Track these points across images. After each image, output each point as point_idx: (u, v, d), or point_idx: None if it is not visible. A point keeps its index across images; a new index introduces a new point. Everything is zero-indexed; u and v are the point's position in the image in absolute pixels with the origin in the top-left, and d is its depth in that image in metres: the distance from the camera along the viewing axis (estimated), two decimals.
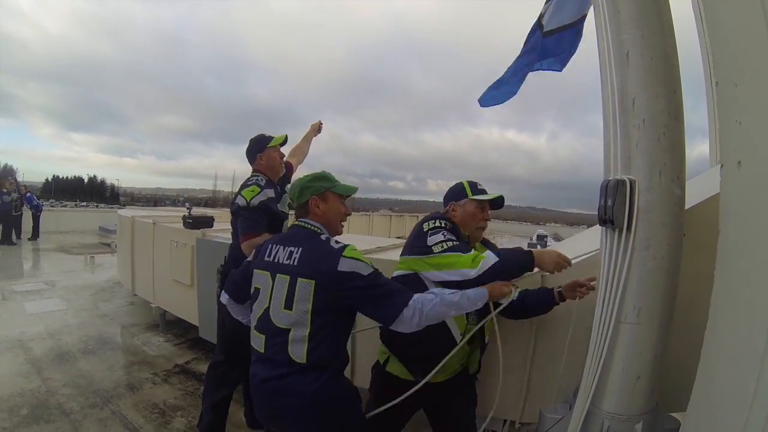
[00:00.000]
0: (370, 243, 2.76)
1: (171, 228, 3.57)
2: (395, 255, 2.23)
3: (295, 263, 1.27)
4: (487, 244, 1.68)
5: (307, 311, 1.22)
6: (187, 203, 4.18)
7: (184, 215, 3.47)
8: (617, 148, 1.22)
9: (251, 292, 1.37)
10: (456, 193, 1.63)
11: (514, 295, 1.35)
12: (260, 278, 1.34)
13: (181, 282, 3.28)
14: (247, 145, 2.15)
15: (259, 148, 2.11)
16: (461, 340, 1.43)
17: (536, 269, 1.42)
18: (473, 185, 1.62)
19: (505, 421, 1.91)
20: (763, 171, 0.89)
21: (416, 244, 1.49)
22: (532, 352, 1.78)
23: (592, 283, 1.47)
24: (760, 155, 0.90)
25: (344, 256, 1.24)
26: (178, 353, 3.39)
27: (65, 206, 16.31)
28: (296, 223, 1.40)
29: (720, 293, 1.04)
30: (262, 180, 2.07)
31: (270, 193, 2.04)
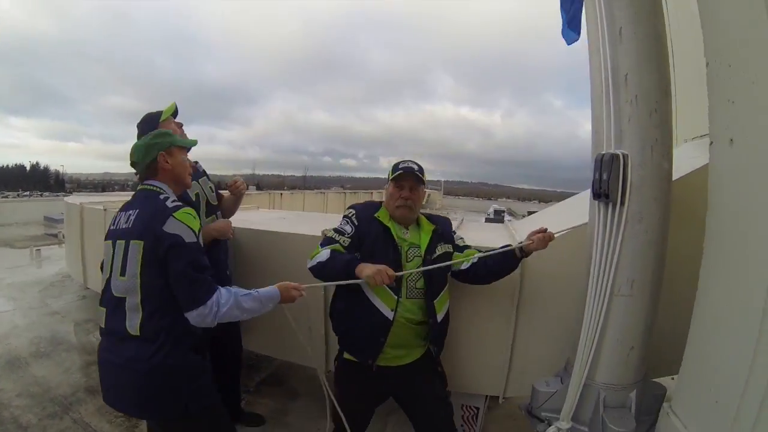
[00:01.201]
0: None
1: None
2: None
3: (130, 225, 1.22)
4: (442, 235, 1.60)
5: (136, 275, 1.16)
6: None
7: None
8: (610, 122, 1.19)
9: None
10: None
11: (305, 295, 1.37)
12: (106, 249, 1.28)
13: None
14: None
15: (146, 123, 1.84)
16: (393, 316, 1.43)
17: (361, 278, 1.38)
18: (395, 166, 1.57)
19: (486, 396, 1.90)
20: (755, 148, 0.90)
21: None
22: (514, 327, 1.75)
23: (548, 232, 1.44)
24: (753, 133, 0.90)
25: (174, 216, 1.18)
26: None
27: (6, 197, 14.68)
28: (141, 186, 1.33)
29: (710, 263, 1.05)
30: None
31: None
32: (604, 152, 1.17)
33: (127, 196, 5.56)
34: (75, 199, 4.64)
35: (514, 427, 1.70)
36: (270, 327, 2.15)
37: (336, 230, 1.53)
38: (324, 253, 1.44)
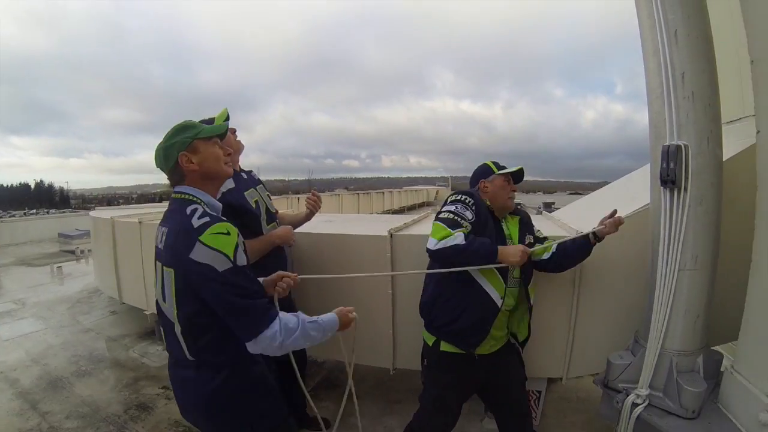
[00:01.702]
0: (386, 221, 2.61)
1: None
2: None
3: (162, 246, 1.06)
4: (526, 226, 1.65)
5: (173, 306, 1.03)
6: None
7: None
8: (671, 117, 1.27)
9: None
10: (483, 172, 1.65)
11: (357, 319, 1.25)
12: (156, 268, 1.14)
13: None
14: None
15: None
16: (501, 303, 1.45)
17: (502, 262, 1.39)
18: (496, 163, 1.65)
19: (547, 379, 1.95)
20: None
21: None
22: (576, 310, 1.80)
23: (617, 216, 1.46)
24: None
25: (200, 241, 0.96)
26: None
27: (13, 216, 14.10)
28: (172, 194, 1.13)
29: (762, 238, 1.14)
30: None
31: (227, 183, 1.65)
32: (668, 144, 1.25)
33: (150, 207, 5.46)
34: (103, 213, 4.54)
35: (570, 408, 1.74)
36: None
37: (456, 214, 1.42)
38: (459, 236, 1.35)
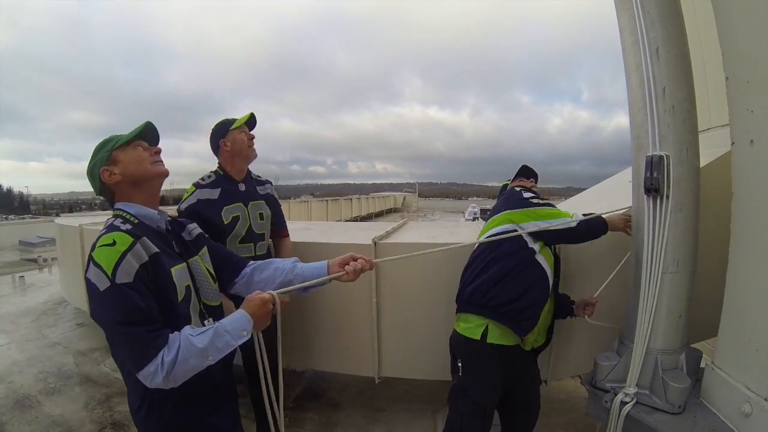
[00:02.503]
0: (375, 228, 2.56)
1: None
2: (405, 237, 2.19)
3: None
4: None
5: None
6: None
7: None
8: (654, 129, 1.31)
9: None
10: (525, 171, 1.85)
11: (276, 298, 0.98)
12: None
13: None
14: (209, 137, 1.73)
15: (222, 132, 1.67)
16: (551, 283, 1.49)
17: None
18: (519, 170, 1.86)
19: None
20: None
21: (512, 201, 1.55)
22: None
23: (595, 300, 1.63)
24: None
25: (91, 257, 0.85)
26: None
27: None
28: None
29: (738, 241, 1.20)
30: (208, 177, 1.66)
31: (208, 193, 1.59)
32: (651, 154, 1.29)
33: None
34: (69, 220, 4.22)
35: (553, 410, 1.77)
36: (314, 341, 2.09)
37: (539, 196, 1.59)
38: (579, 214, 1.51)
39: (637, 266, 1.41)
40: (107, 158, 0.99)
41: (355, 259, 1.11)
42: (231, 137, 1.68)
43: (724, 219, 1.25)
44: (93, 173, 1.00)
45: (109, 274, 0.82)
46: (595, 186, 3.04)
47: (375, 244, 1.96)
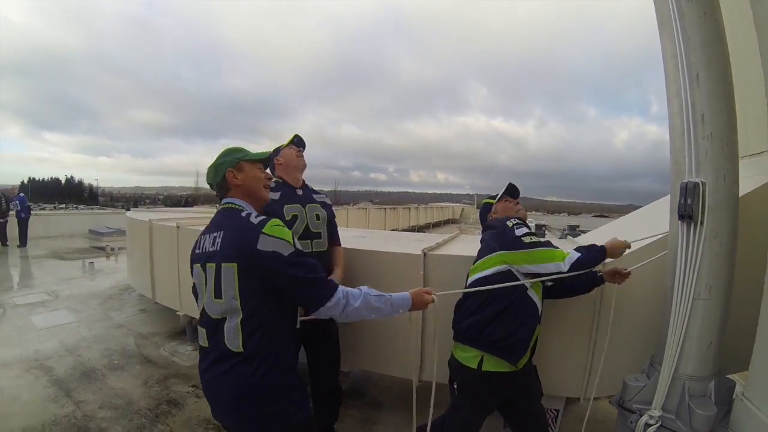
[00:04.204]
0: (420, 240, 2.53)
1: (199, 231, 3.08)
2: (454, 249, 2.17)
3: (218, 248, 1.09)
4: None
5: (235, 297, 1.05)
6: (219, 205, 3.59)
7: None
8: (691, 155, 1.25)
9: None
10: (486, 208, 1.78)
11: (436, 302, 1.21)
12: (195, 273, 1.18)
13: None
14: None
15: (275, 153, 1.88)
16: (541, 312, 1.47)
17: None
18: (490, 196, 1.79)
19: (565, 398, 1.89)
20: None
21: (506, 239, 1.46)
22: (595, 333, 1.76)
23: (627, 271, 1.56)
24: None
25: (264, 233, 1.05)
26: None
27: (43, 209, 13.95)
28: (220, 206, 1.22)
29: None
30: (272, 182, 1.83)
31: (271, 194, 1.67)
32: (686, 180, 1.23)
33: (186, 211, 5.39)
34: (139, 214, 4.52)
35: (586, 429, 1.66)
36: (362, 341, 2.11)
37: (531, 233, 1.48)
38: (573, 253, 1.38)
39: (669, 290, 1.35)
40: (235, 164, 1.21)
41: (429, 293, 1.23)
42: (282, 153, 1.89)
43: (760, 246, 1.18)
44: (218, 169, 1.21)
45: (292, 243, 1.08)
46: (645, 207, 2.90)
47: (425, 255, 1.97)
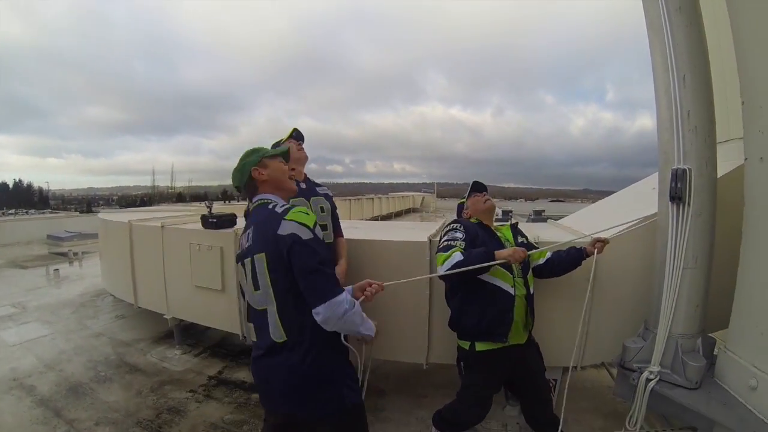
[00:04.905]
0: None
1: (186, 230, 2.87)
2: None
3: (251, 242, 1.13)
4: (517, 231, 1.83)
5: (268, 285, 1.07)
6: (206, 201, 3.34)
7: (204, 215, 2.79)
8: (678, 145, 1.42)
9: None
10: (460, 207, 1.92)
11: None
12: (239, 272, 1.19)
13: (208, 288, 2.71)
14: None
15: (276, 146, 1.88)
16: (514, 291, 1.55)
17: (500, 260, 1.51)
18: (476, 183, 1.88)
19: (562, 368, 2.02)
20: None
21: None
22: (590, 307, 1.87)
23: (605, 243, 1.70)
24: None
25: (286, 219, 1.07)
26: (206, 364, 2.83)
27: None
28: (253, 204, 1.23)
29: (749, 241, 1.31)
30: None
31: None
32: (676, 167, 1.40)
33: (163, 211, 5.01)
34: (112, 215, 4.13)
35: (579, 396, 1.81)
36: (403, 332, 2.12)
37: (448, 240, 1.56)
38: (456, 255, 1.47)
39: (660, 262, 1.51)
40: (258, 162, 1.23)
41: (370, 285, 1.24)
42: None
43: (737, 223, 1.35)
44: (243, 170, 1.23)
45: (311, 228, 1.08)
46: (619, 192, 3.12)
47: (430, 242, 2.04)
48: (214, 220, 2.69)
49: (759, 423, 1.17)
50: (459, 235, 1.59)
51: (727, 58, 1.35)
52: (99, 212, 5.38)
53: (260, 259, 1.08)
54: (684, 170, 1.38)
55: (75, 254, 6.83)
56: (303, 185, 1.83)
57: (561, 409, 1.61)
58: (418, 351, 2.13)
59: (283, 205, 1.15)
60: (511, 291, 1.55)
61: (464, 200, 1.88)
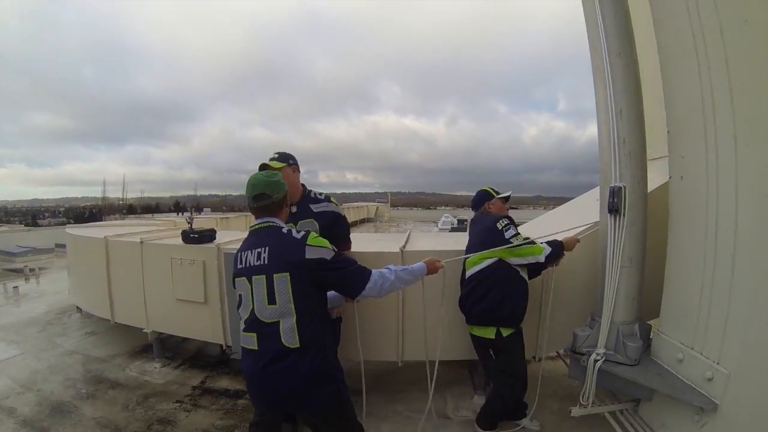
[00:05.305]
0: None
1: (167, 245, 2.87)
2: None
3: (266, 261, 1.26)
4: None
5: (290, 301, 1.23)
6: (186, 214, 3.32)
7: (185, 230, 2.81)
8: (616, 167, 1.70)
9: (237, 300, 1.35)
10: (485, 197, 2.11)
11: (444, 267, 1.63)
12: (240, 285, 1.32)
13: (191, 300, 2.73)
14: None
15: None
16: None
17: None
18: (493, 189, 2.13)
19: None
20: (694, 181, 1.48)
21: (497, 240, 1.84)
22: (549, 305, 2.17)
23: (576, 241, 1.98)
24: (694, 174, 1.48)
25: (309, 245, 1.26)
26: (187, 375, 2.82)
27: None
28: (255, 226, 1.37)
29: (674, 244, 1.62)
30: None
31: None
32: (613, 185, 1.69)
33: (125, 225, 4.76)
34: (86, 231, 3.92)
35: (540, 384, 2.03)
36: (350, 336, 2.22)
37: (517, 232, 1.88)
38: (547, 247, 1.84)
39: (602, 263, 1.80)
40: (285, 191, 1.43)
41: (438, 261, 1.61)
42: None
43: (665, 229, 1.66)
44: (281, 189, 1.39)
45: (331, 248, 1.32)
46: (571, 201, 3.49)
47: (402, 253, 2.23)
48: (196, 236, 2.74)
49: (686, 387, 1.47)
50: (517, 230, 1.90)
51: (657, 84, 1.64)
52: (44, 225, 5.02)
53: (282, 278, 1.23)
54: (620, 188, 1.67)
55: (31, 270, 6.30)
56: (294, 209, 1.89)
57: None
58: (391, 350, 2.33)
59: (298, 231, 1.32)
60: (527, 285, 1.90)
61: (490, 191, 2.10)
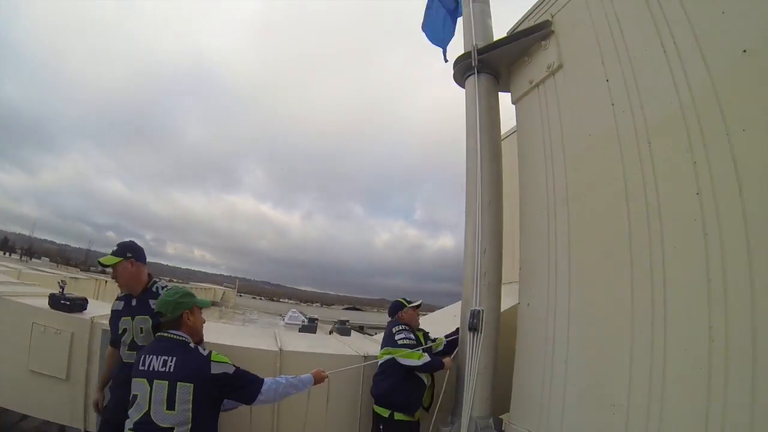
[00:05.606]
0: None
1: (30, 307, 2.45)
2: None
3: (171, 370, 1.39)
4: (426, 335, 2.55)
5: (188, 409, 1.37)
6: (61, 281, 2.77)
7: (54, 294, 2.45)
8: (476, 294, 2.11)
9: (129, 398, 1.43)
10: (399, 306, 2.52)
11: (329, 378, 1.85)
12: (138, 386, 1.41)
13: (48, 375, 2.34)
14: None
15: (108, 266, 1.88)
16: (427, 383, 2.28)
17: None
18: (405, 300, 2.54)
19: None
20: (536, 310, 1.92)
21: (391, 340, 2.29)
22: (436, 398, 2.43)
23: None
24: (538, 302, 1.92)
25: (213, 361, 1.46)
26: None
27: None
28: (163, 335, 1.50)
29: (520, 355, 2.03)
30: (122, 293, 1.91)
31: (116, 304, 1.89)
32: (473, 308, 2.08)
33: None
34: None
35: None
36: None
37: (407, 339, 2.25)
38: (426, 357, 2.20)
39: (460, 370, 2.17)
40: (190, 308, 1.56)
41: (323, 372, 1.82)
42: (119, 268, 1.86)
43: (513, 341, 2.04)
44: (176, 309, 1.52)
45: (231, 364, 1.51)
46: (433, 313, 4.17)
47: (281, 352, 2.34)
48: (67, 303, 2.43)
49: None
50: (412, 336, 2.31)
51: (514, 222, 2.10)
52: None
53: (185, 387, 1.37)
54: (479, 311, 2.07)
55: None
56: (134, 302, 1.85)
57: None
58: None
59: (203, 349, 1.51)
60: (426, 382, 2.25)
61: (404, 302, 2.49)
